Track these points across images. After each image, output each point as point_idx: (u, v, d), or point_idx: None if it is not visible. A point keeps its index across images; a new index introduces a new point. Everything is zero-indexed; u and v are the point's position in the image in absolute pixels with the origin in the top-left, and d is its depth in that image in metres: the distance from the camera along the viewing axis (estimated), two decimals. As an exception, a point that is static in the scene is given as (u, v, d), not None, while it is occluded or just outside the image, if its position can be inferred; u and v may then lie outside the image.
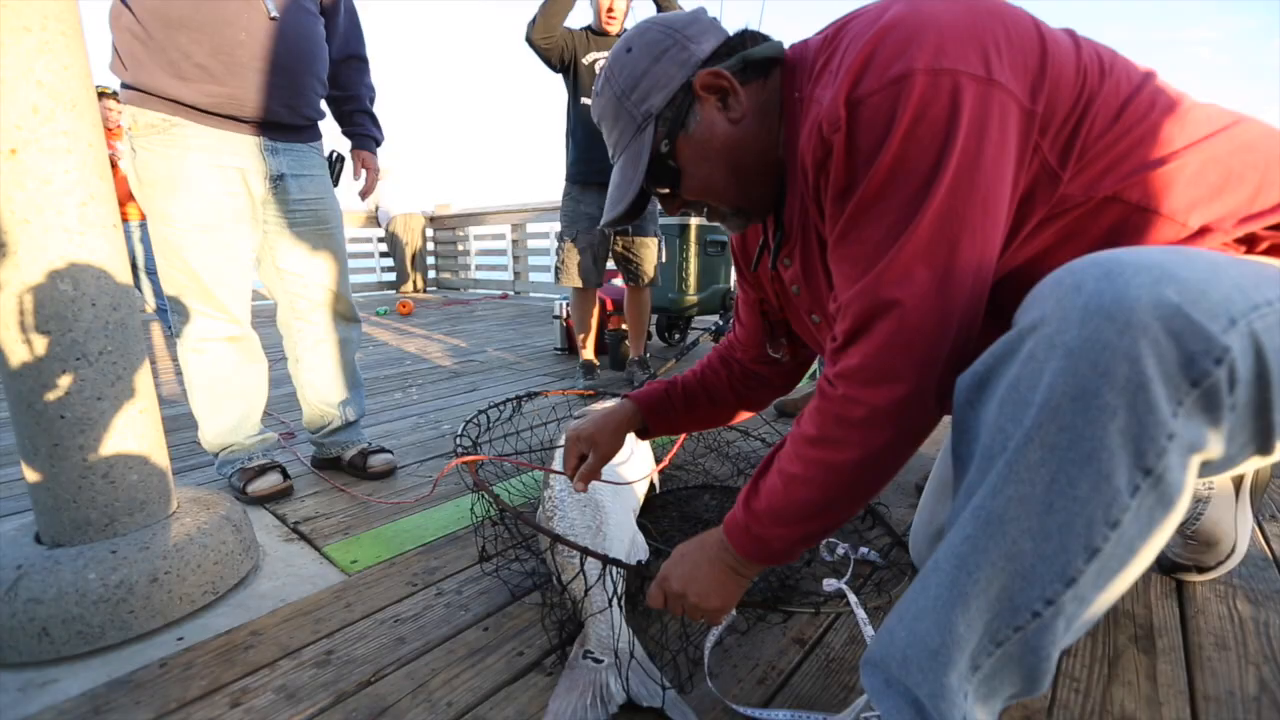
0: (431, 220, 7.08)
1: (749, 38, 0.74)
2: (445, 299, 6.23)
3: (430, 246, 7.27)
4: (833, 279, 0.68)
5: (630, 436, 1.05)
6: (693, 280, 2.97)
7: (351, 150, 1.61)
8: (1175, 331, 0.46)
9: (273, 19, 1.26)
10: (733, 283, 3.27)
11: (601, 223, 0.83)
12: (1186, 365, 0.46)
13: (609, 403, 1.39)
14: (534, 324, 4.41)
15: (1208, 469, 0.53)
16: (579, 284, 2.43)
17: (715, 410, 1.07)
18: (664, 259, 2.93)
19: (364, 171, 1.62)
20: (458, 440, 1.31)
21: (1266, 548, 1.21)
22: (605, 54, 2.29)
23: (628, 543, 1.08)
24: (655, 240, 2.51)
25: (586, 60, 2.28)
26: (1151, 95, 0.64)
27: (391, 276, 6.84)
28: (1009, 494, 0.52)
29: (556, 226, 6.10)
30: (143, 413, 1.01)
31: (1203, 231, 0.63)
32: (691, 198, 0.77)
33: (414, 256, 6.73)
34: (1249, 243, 0.65)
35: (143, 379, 1.01)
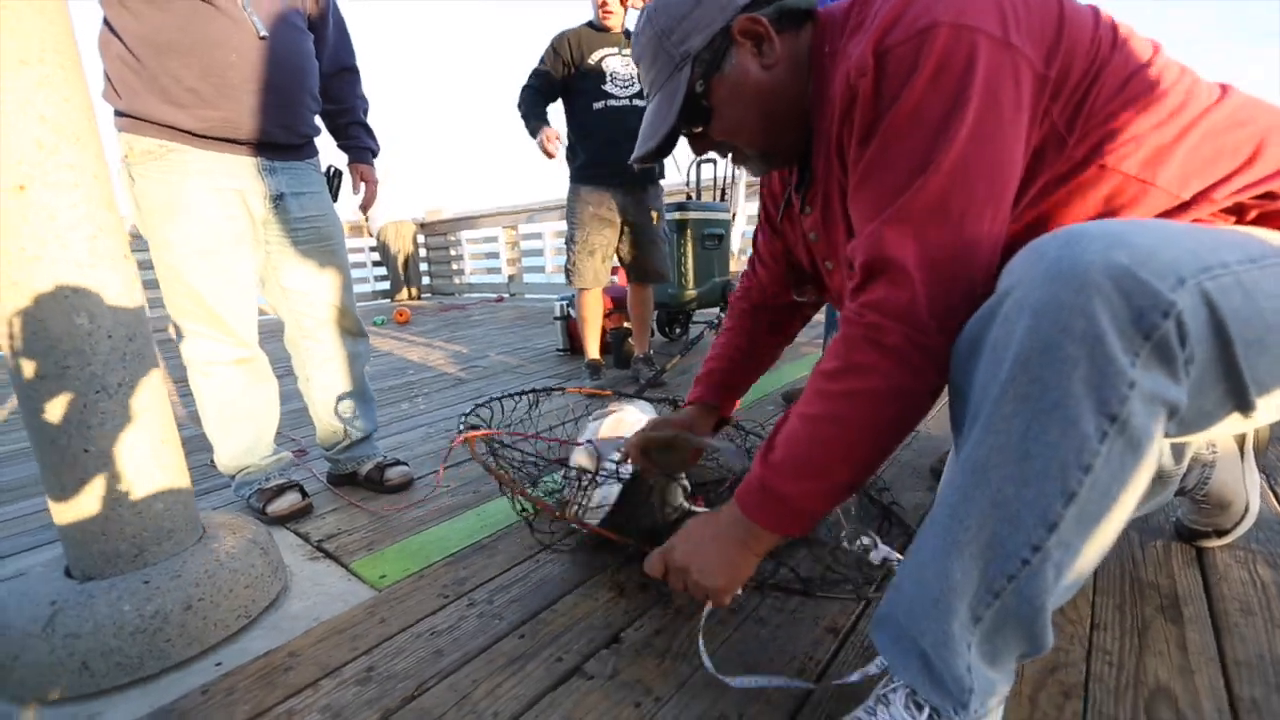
0: (423, 226, 7.05)
1: None
2: (441, 305, 6.22)
3: (423, 253, 7.25)
4: (853, 224, 0.70)
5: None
6: (691, 275, 2.97)
7: (349, 164, 1.60)
8: (1125, 290, 0.50)
9: (262, 38, 1.25)
10: (731, 275, 3.27)
11: (631, 158, 0.85)
12: (1137, 319, 0.50)
13: (625, 406, 1.40)
14: (533, 326, 4.41)
15: (1184, 426, 0.56)
16: (590, 285, 2.43)
17: (760, 361, 1.13)
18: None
19: (363, 184, 1.61)
20: (463, 419, 1.30)
21: (1282, 510, 1.23)
22: (611, 50, 2.28)
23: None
24: (663, 238, 2.52)
25: (593, 59, 2.27)
26: (1158, 70, 0.65)
27: (385, 285, 6.82)
28: (990, 443, 0.56)
29: (549, 226, 6.15)
30: (164, 442, 1.01)
31: (1194, 201, 0.65)
32: (720, 138, 0.80)
33: (407, 264, 6.71)
34: (1238, 212, 0.67)
35: (162, 408, 1.01)
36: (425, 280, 7.35)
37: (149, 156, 1.23)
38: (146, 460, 0.98)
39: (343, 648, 0.95)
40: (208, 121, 1.24)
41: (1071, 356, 0.51)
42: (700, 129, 0.79)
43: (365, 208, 1.65)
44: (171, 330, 1.35)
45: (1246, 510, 1.07)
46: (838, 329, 0.68)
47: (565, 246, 2.48)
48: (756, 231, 1.08)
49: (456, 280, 7.23)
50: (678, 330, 3.47)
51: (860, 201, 0.66)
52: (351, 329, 1.55)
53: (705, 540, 0.76)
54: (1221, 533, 1.09)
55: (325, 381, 1.53)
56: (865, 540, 1.14)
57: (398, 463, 1.61)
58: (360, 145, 1.59)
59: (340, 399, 1.55)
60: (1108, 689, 0.81)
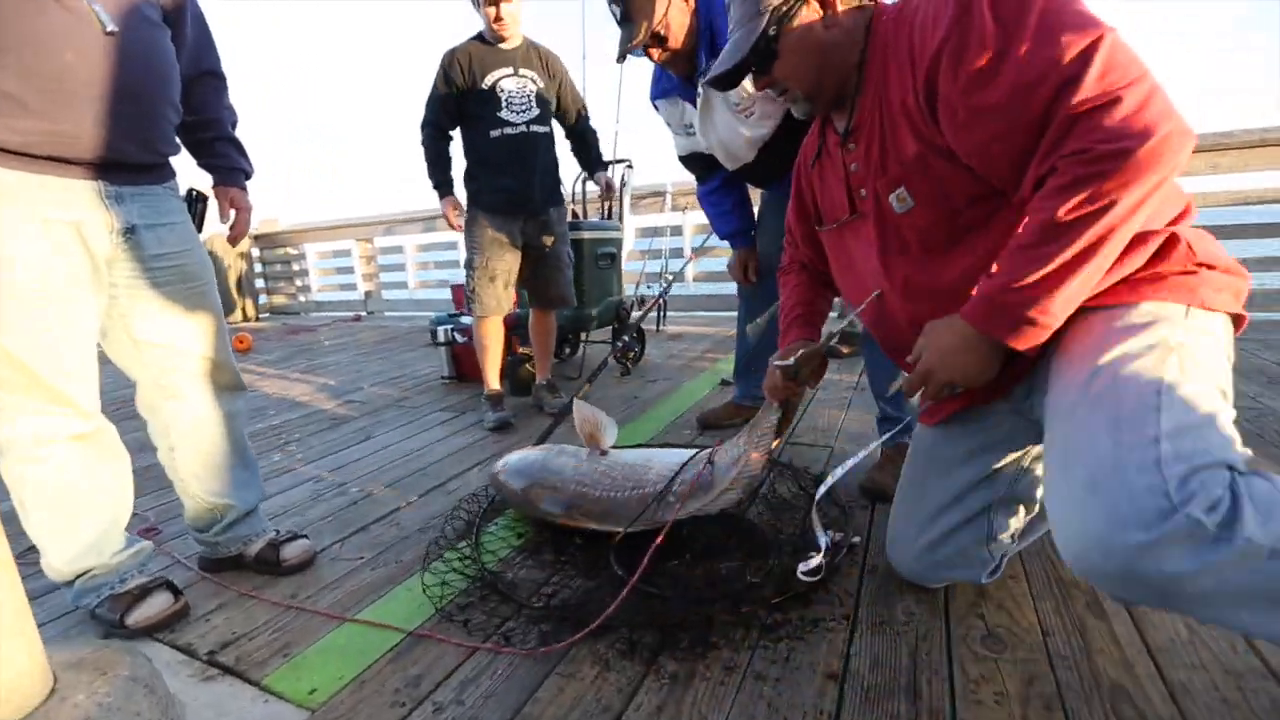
0: (257, 239, 6.23)
1: None
2: (287, 326, 5.53)
3: (258, 269, 6.42)
4: (1002, 96, 0.75)
5: None
6: (587, 293, 2.90)
7: (215, 186, 1.33)
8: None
9: (110, 34, 0.99)
10: (624, 297, 3.26)
11: (707, 77, 1.04)
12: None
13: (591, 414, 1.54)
14: (404, 348, 4.07)
15: None
16: (491, 313, 2.27)
17: (822, 308, 1.27)
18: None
19: (233, 212, 1.35)
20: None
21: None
22: (506, 70, 2.11)
23: None
24: (570, 263, 2.40)
25: (487, 83, 2.09)
26: None
27: (212, 305, 5.93)
28: None
29: (410, 239, 5.73)
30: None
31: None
32: (778, 76, 0.98)
33: (239, 281, 5.90)
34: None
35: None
36: (262, 299, 6.50)
37: (-63, 181, 0.93)
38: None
39: (287, 801, 0.77)
40: (28, 135, 0.96)
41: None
42: (766, 68, 0.98)
43: (236, 240, 1.38)
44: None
45: None
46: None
47: (465, 272, 2.30)
48: (790, 220, 1.26)
49: (302, 298, 6.48)
50: (567, 350, 3.38)
51: (1024, 85, 0.74)
52: (228, 383, 1.30)
53: (963, 356, 0.87)
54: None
55: (196, 450, 1.26)
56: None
57: (294, 536, 1.37)
58: (230, 165, 1.33)
59: (216, 470, 1.28)
60: (1078, 695, 0.89)
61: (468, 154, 2.23)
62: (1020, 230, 0.79)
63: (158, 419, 1.23)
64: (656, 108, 1.85)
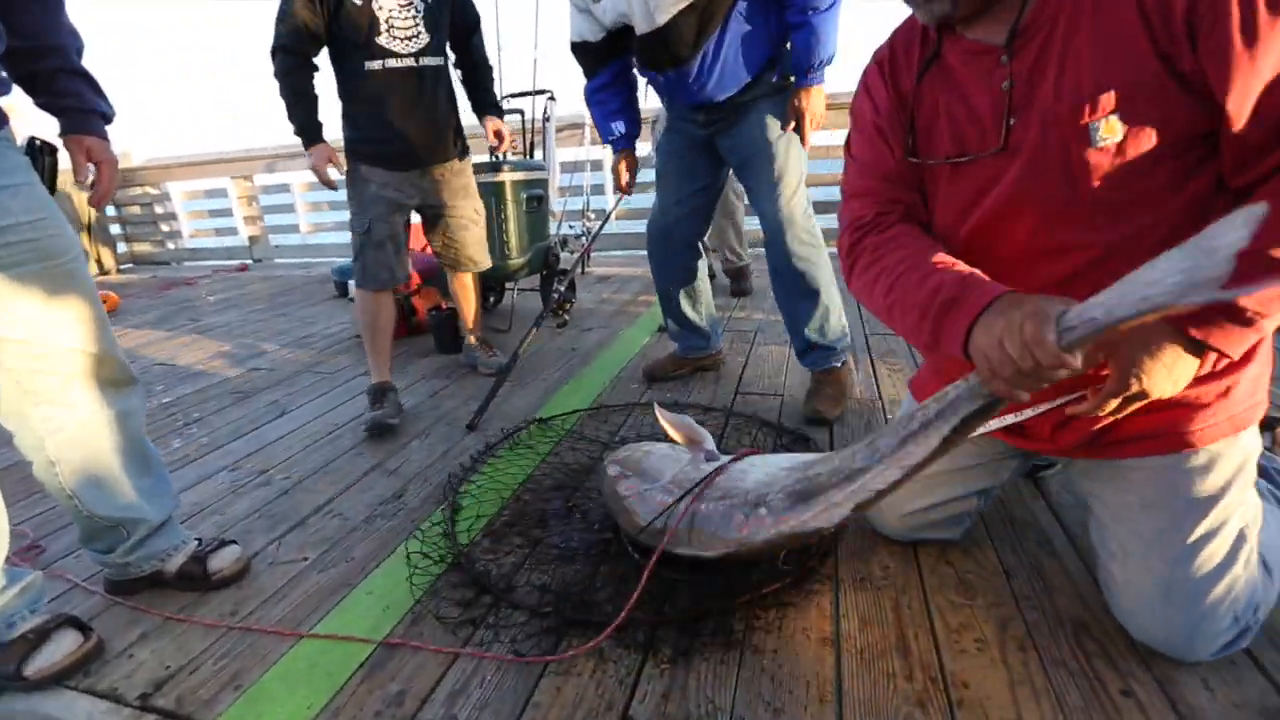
0: (104, 176, 5.34)
1: None
2: (158, 280, 4.87)
3: (111, 211, 5.55)
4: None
5: None
6: (514, 241, 2.71)
7: (64, 135, 1.06)
8: None
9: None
10: (553, 240, 3.07)
11: None
12: None
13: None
14: (305, 303, 3.69)
15: None
16: (381, 285, 1.89)
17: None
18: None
19: (91, 167, 1.08)
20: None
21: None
22: None
23: None
24: (479, 218, 2.09)
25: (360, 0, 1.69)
26: None
27: (58, 257, 5.09)
28: None
29: (297, 176, 5.11)
30: None
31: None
32: None
33: (89, 227, 5.09)
34: None
35: None
36: (121, 247, 5.67)
37: None
38: None
39: None
40: None
41: None
42: None
43: (100, 203, 1.12)
44: None
45: None
46: None
47: (351, 236, 1.91)
48: (858, 171, 0.96)
49: (171, 245, 5.70)
50: (492, 300, 3.19)
51: None
52: (115, 377, 1.08)
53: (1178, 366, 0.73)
54: (1051, 464, 1.34)
55: (85, 463, 1.06)
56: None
57: (220, 543, 1.21)
58: (82, 106, 1.06)
59: (114, 483, 1.09)
60: (1045, 634, 0.95)
61: (340, 92, 1.83)
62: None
63: (28, 430, 1.02)
64: None
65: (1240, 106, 0.66)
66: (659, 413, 1.27)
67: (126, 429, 1.10)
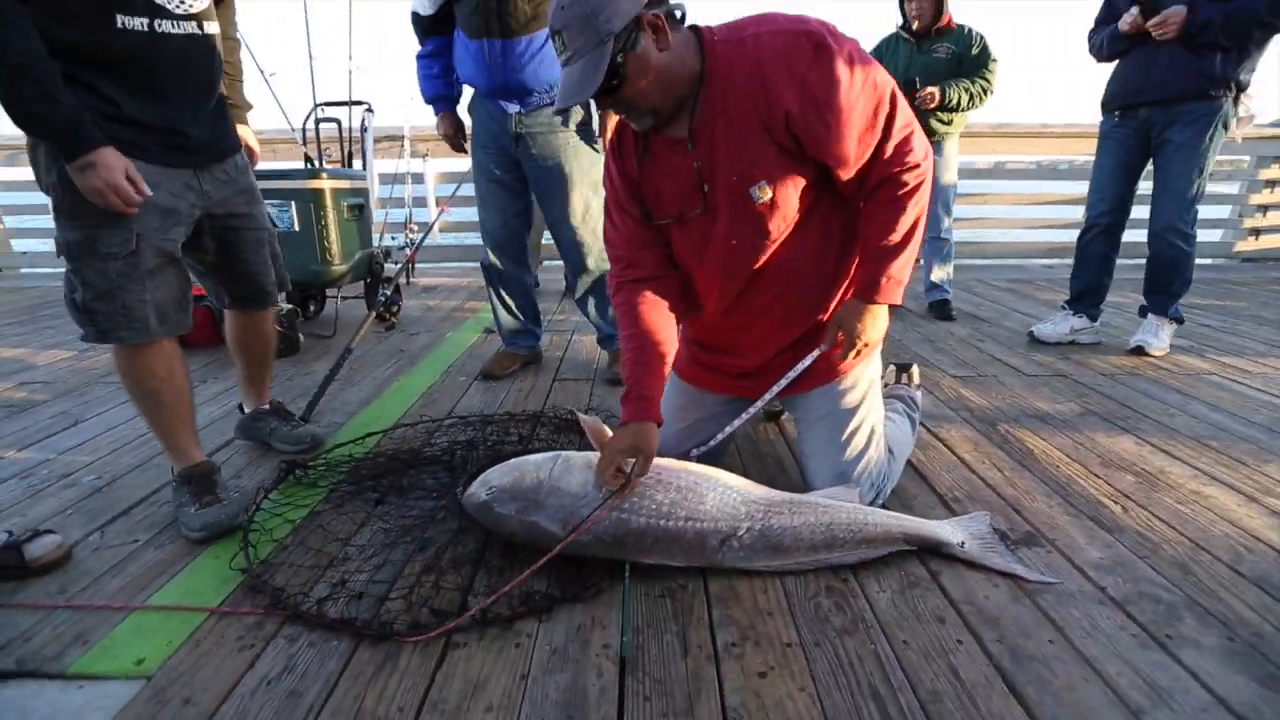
0: None
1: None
2: None
3: None
4: (845, 144, 1.08)
5: None
6: (336, 247, 2.74)
7: None
8: None
9: None
10: (378, 247, 3.13)
11: (556, 107, 1.14)
12: None
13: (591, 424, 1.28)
14: (78, 314, 3.27)
15: None
16: (153, 334, 1.28)
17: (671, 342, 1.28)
18: (296, 228, 2.64)
19: None
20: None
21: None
22: None
23: None
24: (271, 232, 1.53)
25: None
26: None
27: None
28: None
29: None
30: None
31: None
32: (626, 97, 1.07)
33: None
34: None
35: None
36: None
37: None
38: None
39: (161, 746, 0.82)
40: None
41: None
42: (615, 91, 1.05)
43: None
44: None
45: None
46: None
47: (69, 267, 1.23)
48: (614, 235, 1.30)
49: None
50: (313, 308, 3.15)
51: (856, 145, 1.09)
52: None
53: (878, 318, 1.19)
54: (782, 411, 1.81)
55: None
56: None
57: (36, 533, 1.21)
58: None
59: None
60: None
61: (68, 54, 1.13)
62: (873, 230, 1.17)
63: None
64: None
65: (838, 169, 1.13)
66: (583, 420, 1.25)
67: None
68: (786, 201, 1.15)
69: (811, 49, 1.03)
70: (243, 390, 1.69)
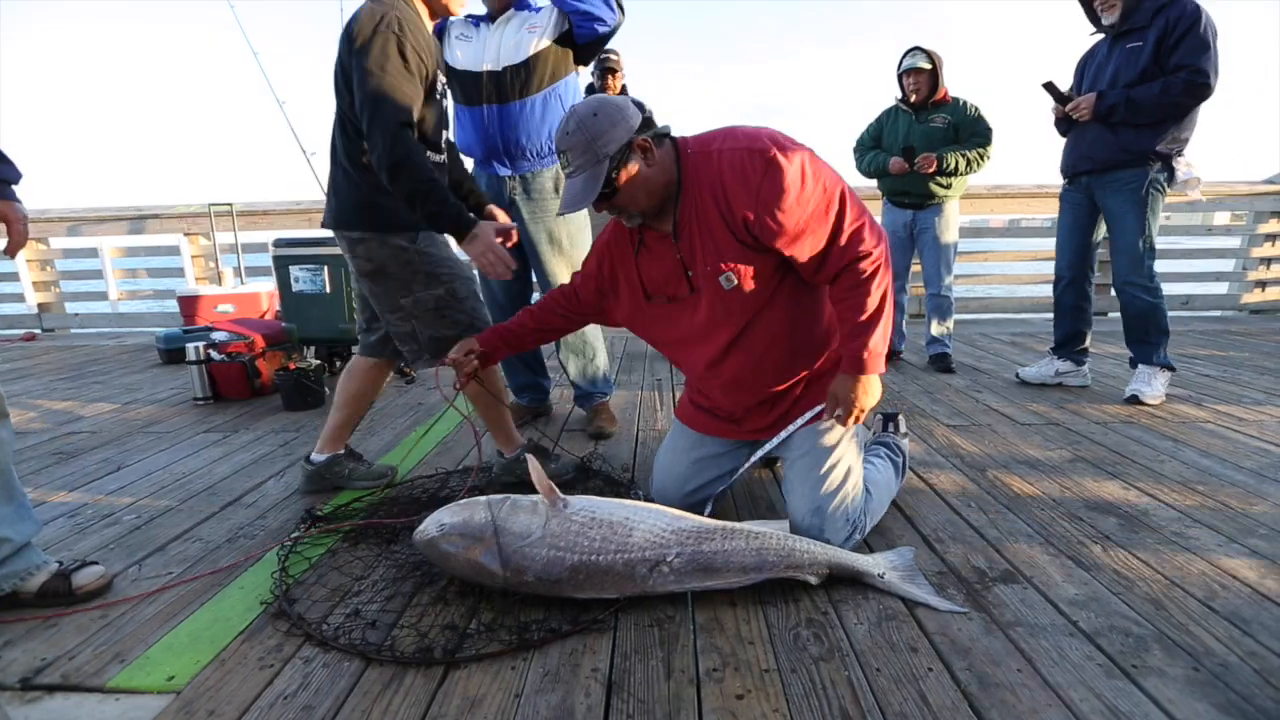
0: None
1: (651, 122, 1.29)
2: (-88, 352, 4.21)
3: None
4: (798, 241, 1.24)
5: None
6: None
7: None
8: None
9: None
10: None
11: (559, 212, 1.29)
12: None
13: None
14: (124, 371, 3.51)
15: None
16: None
17: (544, 337, 1.65)
18: (327, 290, 2.85)
19: (1, 226, 1.25)
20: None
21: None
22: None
23: None
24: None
25: None
26: None
27: None
28: None
29: (109, 240, 4.80)
30: None
31: None
32: (619, 204, 1.29)
33: None
34: None
35: None
36: None
37: None
38: None
39: (188, 749, 0.90)
40: None
41: None
42: (609, 198, 1.27)
43: (13, 253, 1.29)
44: None
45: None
46: None
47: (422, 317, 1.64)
48: (579, 279, 1.56)
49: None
50: (338, 364, 3.33)
51: (812, 243, 1.25)
52: (-10, 411, 1.21)
53: (871, 386, 1.30)
54: (778, 459, 1.89)
55: (-47, 485, 1.16)
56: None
57: (83, 564, 1.33)
58: None
59: (-21, 504, 1.20)
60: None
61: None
62: (845, 313, 1.30)
63: (-97, 455, 1.11)
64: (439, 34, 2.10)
65: (795, 259, 1.28)
66: (531, 465, 1.31)
67: (-3, 457, 1.22)
68: (753, 285, 1.32)
69: (763, 164, 1.20)
70: (329, 439, 1.81)
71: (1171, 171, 2.38)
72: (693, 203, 1.28)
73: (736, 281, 1.30)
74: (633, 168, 1.24)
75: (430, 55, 1.55)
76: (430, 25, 1.61)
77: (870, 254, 1.26)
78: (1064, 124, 2.59)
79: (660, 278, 1.39)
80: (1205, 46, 2.20)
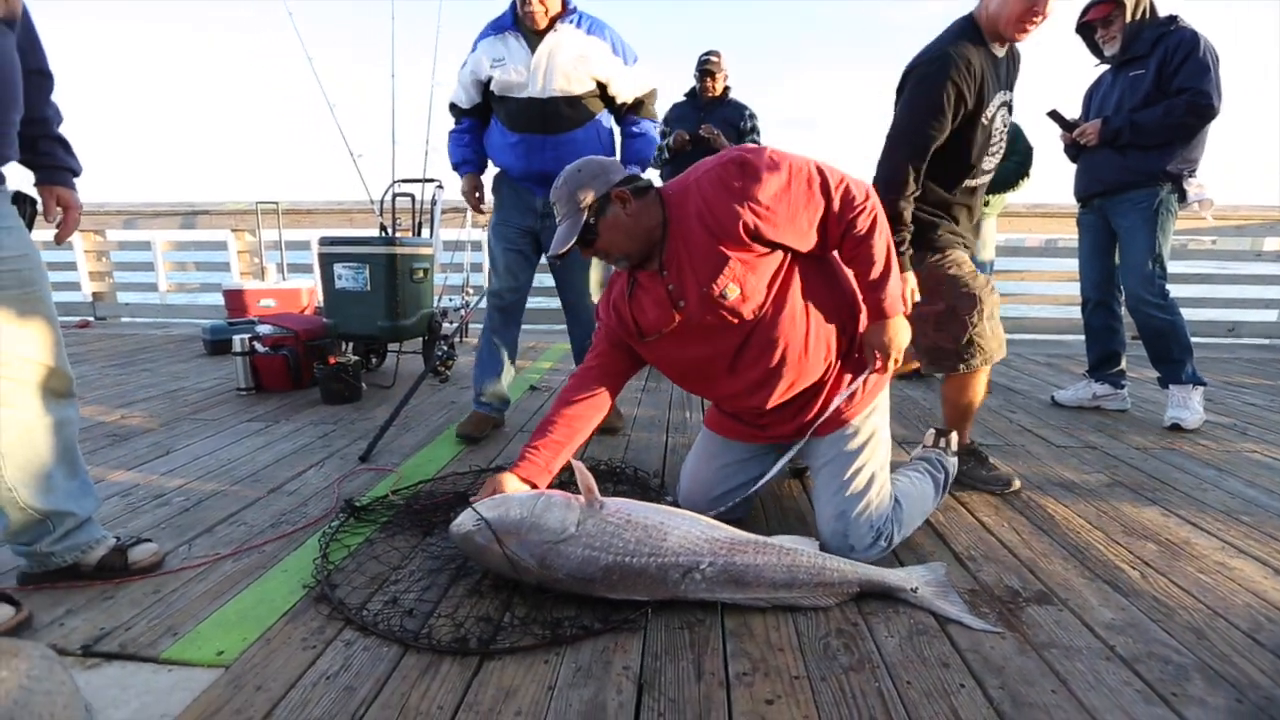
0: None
1: (636, 178, 1.39)
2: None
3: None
4: (796, 222, 1.28)
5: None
6: (404, 307, 3.01)
7: (39, 185, 1.31)
8: None
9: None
10: (436, 307, 3.40)
11: (549, 254, 1.32)
12: None
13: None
14: (170, 360, 3.64)
15: None
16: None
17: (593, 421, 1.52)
18: (369, 288, 2.93)
19: (60, 211, 1.34)
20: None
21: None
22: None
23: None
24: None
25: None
26: None
27: None
28: None
29: (161, 234, 5.00)
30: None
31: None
32: (600, 248, 1.38)
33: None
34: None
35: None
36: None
37: None
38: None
39: (238, 721, 0.94)
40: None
41: None
42: (591, 244, 1.37)
43: (62, 239, 1.37)
44: None
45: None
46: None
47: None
48: (602, 342, 1.54)
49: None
50: (374, 360, 3.42)
51: (806, 222, 1.30)
52: (61, 390, 1.29)
53: (901, 328, 1.37)
54: (806, 469, 1.89)
55: (27, 458, 1.24)
56: None
57: (139, 540, 1.39)
58: (58, 164, 1.32)
59: (49, 479, 1.27)
60: (788, 566, 1.43)
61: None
62: (858, 270, 1.36)
63: (-19, 428, 1.18)
64: (475, 47, 2.16)
65: (800, 243, 1.32)
66: (575, 466, 1.35)
67: (64, 434, 1.30)
68: (754, 290, 1.33)
69: (737, 167, 1.27)
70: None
71: (1183, 192, 2.38)
72: (680, 235, 1.33)
73: (737, 291, 1.31)
74: (611, 216, 1.34)
75: None
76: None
77: (864, 207, 1.30)
78: (1073, 150, 2.63)
79: (652, 313, 1.42)
80: (1206, 69, 2.25)
